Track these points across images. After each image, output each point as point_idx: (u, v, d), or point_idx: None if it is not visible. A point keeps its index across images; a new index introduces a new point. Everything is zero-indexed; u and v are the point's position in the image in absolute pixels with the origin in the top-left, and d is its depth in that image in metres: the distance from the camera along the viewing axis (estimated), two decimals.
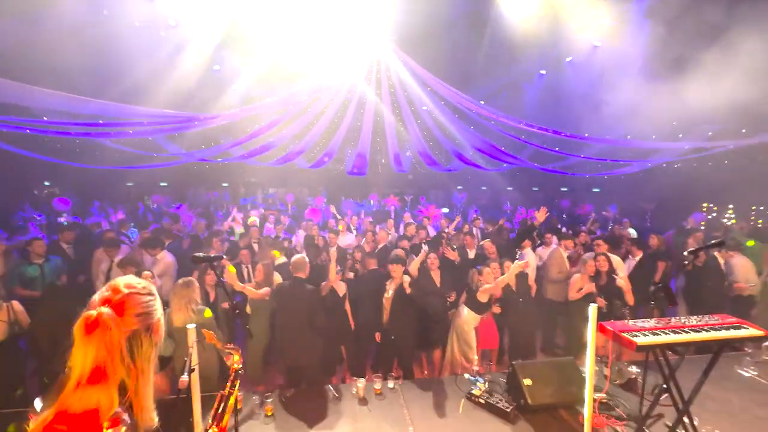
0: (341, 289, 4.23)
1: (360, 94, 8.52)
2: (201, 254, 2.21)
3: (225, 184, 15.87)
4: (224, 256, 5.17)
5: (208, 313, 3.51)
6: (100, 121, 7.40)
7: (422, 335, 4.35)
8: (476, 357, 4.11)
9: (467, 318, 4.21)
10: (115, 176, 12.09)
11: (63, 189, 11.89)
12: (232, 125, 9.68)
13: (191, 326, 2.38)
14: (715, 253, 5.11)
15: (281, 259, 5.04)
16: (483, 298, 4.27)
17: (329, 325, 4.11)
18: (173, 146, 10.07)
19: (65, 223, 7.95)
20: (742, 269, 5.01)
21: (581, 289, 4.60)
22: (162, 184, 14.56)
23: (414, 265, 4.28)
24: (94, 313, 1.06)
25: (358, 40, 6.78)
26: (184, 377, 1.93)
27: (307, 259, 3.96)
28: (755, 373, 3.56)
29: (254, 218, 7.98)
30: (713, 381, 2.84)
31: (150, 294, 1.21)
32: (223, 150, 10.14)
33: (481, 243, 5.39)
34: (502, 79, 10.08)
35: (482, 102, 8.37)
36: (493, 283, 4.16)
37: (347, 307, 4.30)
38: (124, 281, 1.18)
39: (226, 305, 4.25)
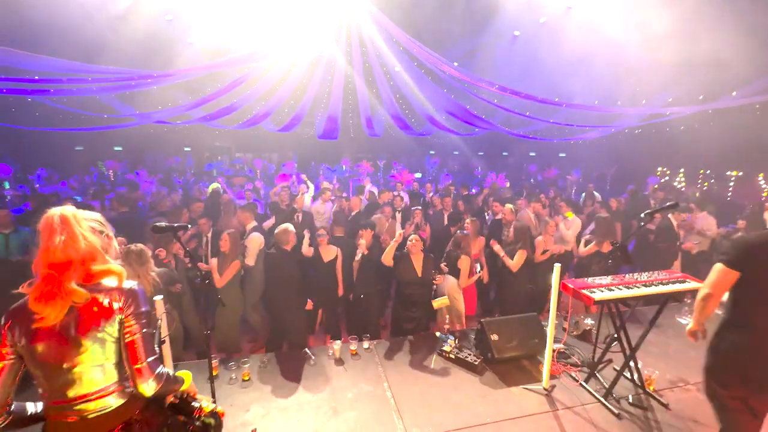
0: (329, 254, 4.19)
1: (329, 52, 8.01)
2: (163, 224, 2.08)
3: (187, 149, 14.91)
4: (189, 226, 4.92)
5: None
6: (36, 77, 6.56)
7: (402, 319, 4.04)
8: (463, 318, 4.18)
9: (453, 284, 4.12)
10: (62, 140, 11.01)
11: None
12: (191, 84, 8.92)
13: (158, 297, 2.31)
14: (669, 216, 5.44)
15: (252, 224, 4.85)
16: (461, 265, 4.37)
17: (312, 288, 4.12)
18: (125, 106, 9.18)
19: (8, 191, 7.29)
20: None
21: (545, 251, 4.82)
22: (116, 148, 13.45)
23: (388, 253, 3.82)
24: (57, 211, 1.28)
25: None
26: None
27: (291, 229, 3.84)
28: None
29: (216, 185, 7.64)
30: (656, 329, 3.15)
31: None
32: (181, 111, 9.35)
33: (500, 208, 5.43)
34: (477, 40, 9.80)
35: (456, 64, 8.12)
36: (467, 279, 4.20)
37: (338, 272, 4.27)
38: None
39: (177, 288, 3.56)
